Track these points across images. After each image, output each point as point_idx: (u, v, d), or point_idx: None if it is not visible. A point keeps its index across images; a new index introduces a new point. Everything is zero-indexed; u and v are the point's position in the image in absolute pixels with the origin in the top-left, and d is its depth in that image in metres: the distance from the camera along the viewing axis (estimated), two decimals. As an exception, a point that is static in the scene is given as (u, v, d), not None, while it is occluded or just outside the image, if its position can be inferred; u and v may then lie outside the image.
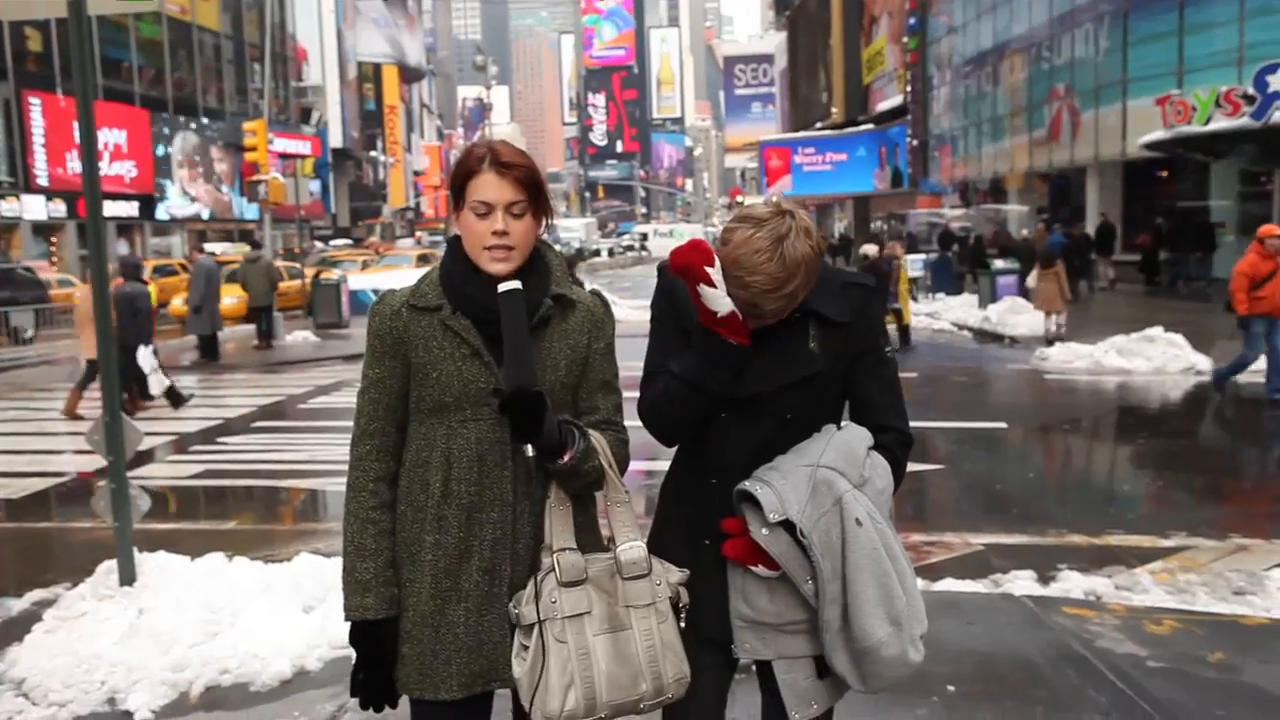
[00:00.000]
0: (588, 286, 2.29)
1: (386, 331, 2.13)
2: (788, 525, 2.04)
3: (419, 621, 2.11)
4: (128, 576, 4.92)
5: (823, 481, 2.06)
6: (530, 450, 2.03)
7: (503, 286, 2.06)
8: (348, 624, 2.16)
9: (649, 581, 2.11)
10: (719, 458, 2.20)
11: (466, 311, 2.10)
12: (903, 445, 2.24)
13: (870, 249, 17.04)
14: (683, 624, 2.13)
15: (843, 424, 2.22)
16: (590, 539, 2.17)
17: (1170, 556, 5.97)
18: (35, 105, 34.65)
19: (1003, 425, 10.33)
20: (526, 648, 2.04)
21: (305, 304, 21.95)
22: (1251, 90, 18.22)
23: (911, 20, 41.45)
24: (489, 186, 2.06)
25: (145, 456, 9.00)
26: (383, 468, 2.15)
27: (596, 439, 2.12)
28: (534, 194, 2.09)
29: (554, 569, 2.06)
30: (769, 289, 2.03)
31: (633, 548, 2.12)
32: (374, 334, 2.15)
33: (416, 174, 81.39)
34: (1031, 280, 17.05)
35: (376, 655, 2.13)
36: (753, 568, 2.12)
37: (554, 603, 2.04)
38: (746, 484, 2.09)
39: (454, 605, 2.09)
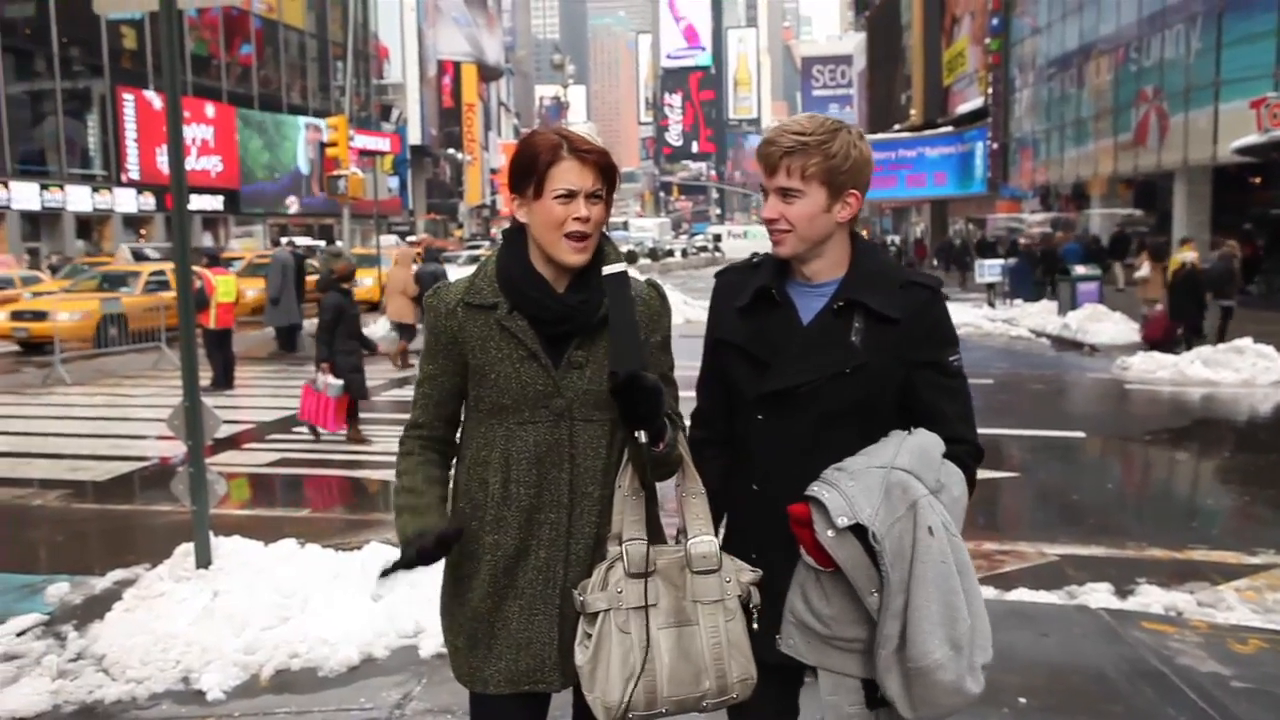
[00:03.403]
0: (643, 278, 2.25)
1: (441, 330, 2.11)
2: (858, 531, 1.92)
3: (473, 617, 2.12)
4: (204, 559, 5.04)
5: (897, 484, 1.94)
6: (644, 436, 1.99)
7: (607, 269, 2.04)
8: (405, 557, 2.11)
9: (719, 577, 2.07)
10: (760, 463, 2.13)
11: (524, 311, 2.07)
12: (974, 458, 2.12)
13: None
14: (755, 625, 2.08)
15: (912, 429, 2.09)
16: (654, 531, 2.14)
17: (1257, 574, 5.75)
18: (128, 101, 35.76)
19: (1080, 434, 10.08)
20: (590, 636, 2.02)
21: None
22: (1353, 93, 17.56)
23: (994, 21, 40.71)
24: (572, 173, 2.03)
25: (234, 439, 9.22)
26: (431, 454, 2.19)
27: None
28: (610, 181, 2.08)
29: (622, 559, 2.04)
30: (787, 130, 2.05)
31: (704, 541, 2.08)
32: (430, 329, 2.15)
33: (493, 172, 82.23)
34: (1145, 271, 18.08)
35: (430, 552, 2.08)
36: (815, 564, 2.01)
37: (620, 593, 2.01)
38: (814, 487, 1.98)
39: (510, 602, 2.09)
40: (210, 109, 40.19)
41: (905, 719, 1.99)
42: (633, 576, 2.03)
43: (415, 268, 15.15)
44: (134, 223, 37.98)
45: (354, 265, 11.20)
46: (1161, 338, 15.59)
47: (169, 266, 20.02)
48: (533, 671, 2.08)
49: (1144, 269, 18.50)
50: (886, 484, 1.94)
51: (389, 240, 29.83)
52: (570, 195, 2.03)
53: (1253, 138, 20.07)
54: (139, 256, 26.64)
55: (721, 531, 2.22)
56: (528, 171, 2.08)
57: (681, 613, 2.04)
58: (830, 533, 1.94)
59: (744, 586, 2.09)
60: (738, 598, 2.08)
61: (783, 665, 2.12)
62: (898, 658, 1.94)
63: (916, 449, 2.01)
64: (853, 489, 1.95)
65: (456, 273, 13.64)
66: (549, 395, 2.06)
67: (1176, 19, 26.40)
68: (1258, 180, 25.26)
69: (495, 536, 2.09)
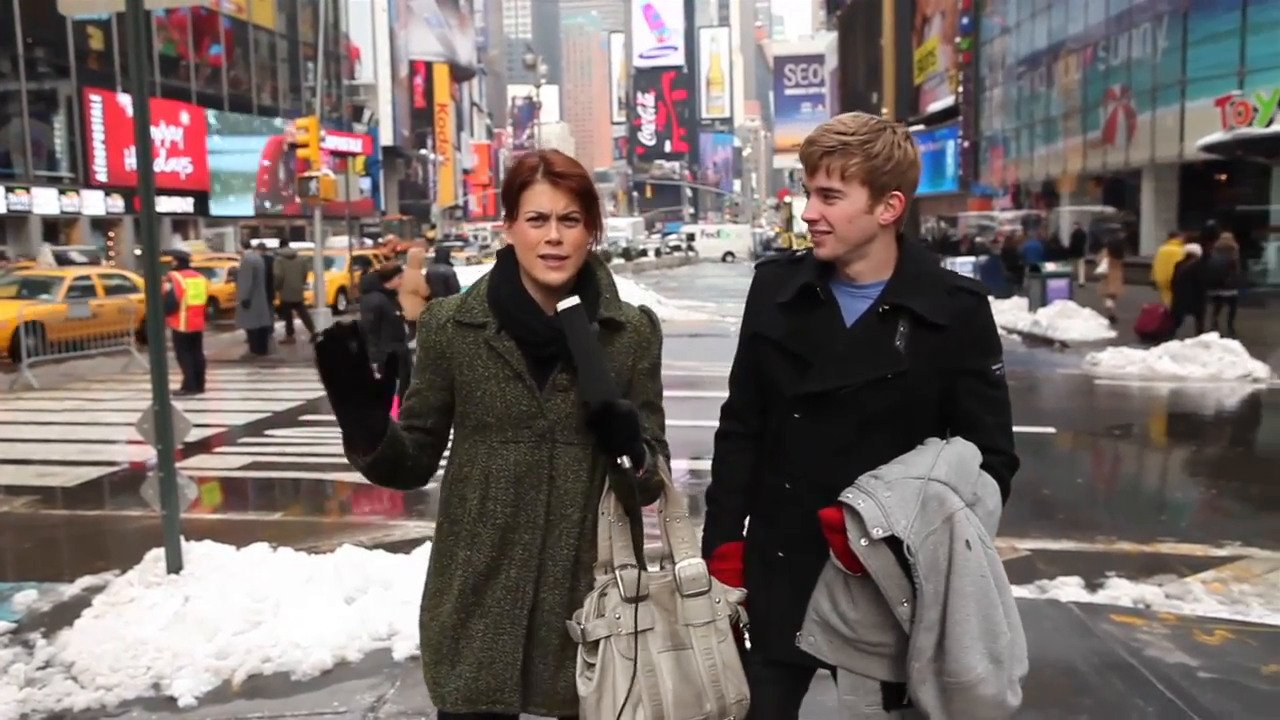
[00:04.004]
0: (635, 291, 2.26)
1: (431, 344, 2.14)
2: (891, 542, 1.91)
3: (440, 631, 2.12)
4: (175, 564, 5.00)
5: (934, 496, 1.92)
6: (627, 462, 1.99)
7: (563, 305, 2.03)
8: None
9: (708, 599, 2.08)
10: (793, 461, 2.11)
11: (512, 332, 2.08)
12: (1010, 469, 2.10)
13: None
14: (747, 644, 2.10)
15: (950, 438, 2.07)
16: (639, 557, 2.15)
17: (1223, 566, 5.83)
18: (96, 102, 35.37)
19: (1051, 430, 10.17)
20: (592, 665, 2.01)
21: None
22: (1316, 91, 17.82)
23: (964, 20, 41.05)
24: (543, 196, 2.04)
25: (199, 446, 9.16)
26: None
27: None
28: (587, 204, 2.08)
29: (617, 585, 2.04)
30: (830, 129, 2.02)
31: (692, 564, 2.09)
32: (421, 344, 2.17)
33: (465, 172, 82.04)
34: (1103, 267, 19.72)
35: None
36: (844, 568, 2.00)
37: (618, 619, 2.02)
38: (848, 494, 1.97)
39: (475, 619, 2.09)
40: (184, 115, 39.83)
41: None
42: (629, 601, 2.03)
43: (425, 270, 15.12)
44: (102, 225, 37.57)
45: (398, 265, 11.11)
46: (1157, 328, 15.87)
47: (96, 271, 19.20)
48: (492, 691, 2.07)
49: (1103, 265, 19.51)
50: (923, 496, 1.92)
51: (340, 241, 29.42)
52: (541, 218, 2.04)
53: (1218, 135, 20.32)
54: (62, 260, 25.64)
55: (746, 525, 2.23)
56: (509, 195, 2.11)
57: (676, 636, 2.05)
58: (864, 542, 1.93)
59: (732, 606, 2.11)
60: (728, 618, 2.10)
61: (792, 664, 2.12)
62: (933, 670, 1.92)
63: (954, 459, 1.99)
64: (889, 499, 1.93)
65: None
66: (532, 416, 2.06)
67: (1143, 18, 26.72)
68: (1223, 177, 25.59)
69: (468, 553, 2.09)
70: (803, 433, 2.09)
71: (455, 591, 2.10)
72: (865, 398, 2.03)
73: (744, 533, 2.22)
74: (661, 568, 2.13)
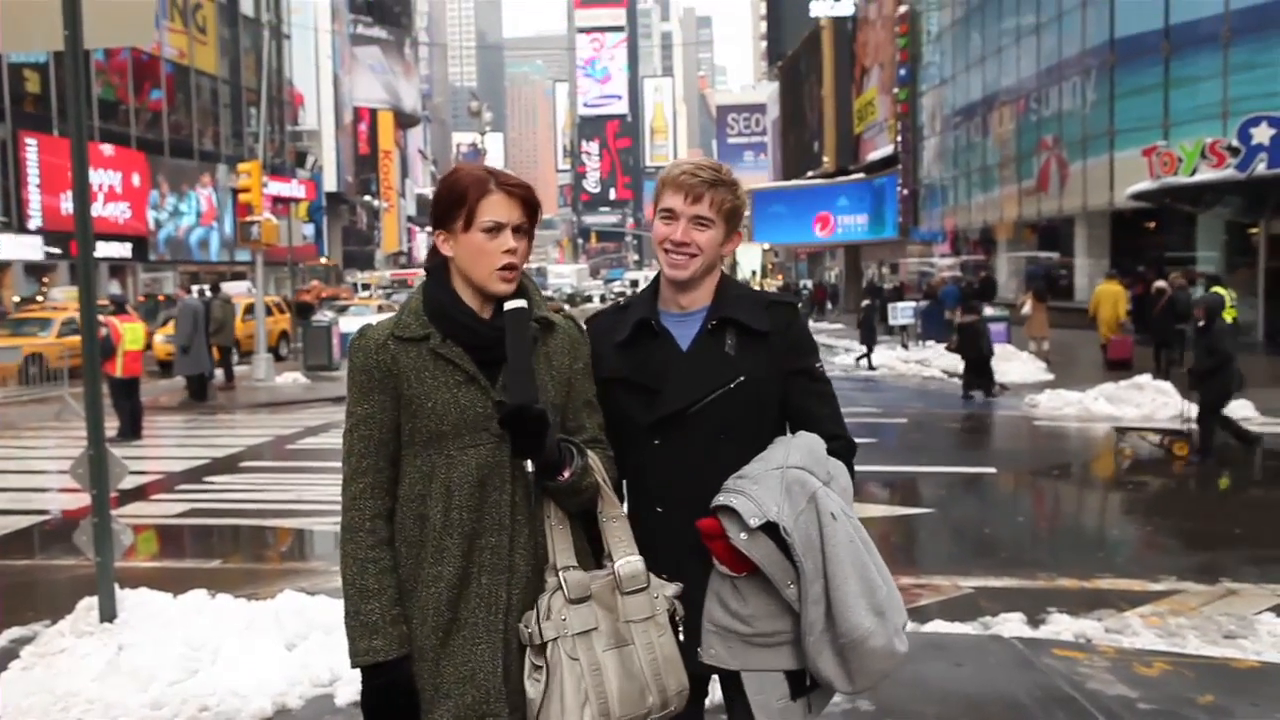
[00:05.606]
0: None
1: (374, 366, 2.10)
2: (767, 528, 2.05)
3: (418, 658, 2.07)
4: (108, 613, 4.86)
5: (795, 481, 2.09)
6: (530, 467, 2.03)
7: (509, 305, 2.11)
8: (357, 670, 2.09)
9: (647, 595, 2.12)
10: (659, 485, 2.23)
11: (457, 339, 2.10)
12: (849, 451, 2.30)
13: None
14: (680, 637, 2.14)
15: (792, 433, 2.26)
16: (586, 558, 2.16)
17: (1160, 600, 5.95)
18: (31, 145, 34.77)
19: (992, 470, 10.33)
20: (540, 668, 2.02)
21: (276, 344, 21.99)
22: (1235, 142, 18.43)
23: (902, 71, 42.03)
24: (499, 206, 2.10)
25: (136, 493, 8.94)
26: (379, 505, 2.10)
27: (591, 456, 2.13)
28: (533, 216, 2.16)
29: (561, 587, 2.06)
30: (703, 165, 2.26)
31: (630, 562, 2.13)
32: (359, 369, 2.12)
33: (410, 219, 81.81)
34: (1026, 309, 20.59)
35: (392, 697, 2.06)
36: (729, 571, 2.12)
37: (564, 620, 2.04)
38: (720, 498, 2.11)
39: (454, 635, 2.06)
40: (128, 164, 39.28)
41: (843, 693, 2.13)
42: (573, 603, 2.06)
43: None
44: (36, 270, 36.79)
45: None
46: (1129, 356, 17.33)
47: None
48: (479, 704, 2.04)
49: (1027, 307, 20.49)
50: (785, 482, 2.09)
51: (239, 287, 27.47)
52: (498, 227, 2.10)
53: (1146, 184, 20.92)
54: None
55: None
56: (457, 204, 2.12)
57: (618, 634, 2.08)
58: (744, 535, 2.06)
59: (670, 600, 2.15)
60: (666, 612, 2.13)
61: (694, 675, 2.19)
62: (827, 639, 2.06)
63: (804, 448, 2.17)
64: (757, 491, 2.08)
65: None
66: (489, 417, 2.07)
67: (1072, 72, 27.59)
68: (1152, 225, 26.35)
69: (437, 569, 2.06)
70: (664, 457, 2.23)
71: (430, 613, 2.06)
72: (713, 411, 2.21)
73: None
74: (602, 566, 2.15)
